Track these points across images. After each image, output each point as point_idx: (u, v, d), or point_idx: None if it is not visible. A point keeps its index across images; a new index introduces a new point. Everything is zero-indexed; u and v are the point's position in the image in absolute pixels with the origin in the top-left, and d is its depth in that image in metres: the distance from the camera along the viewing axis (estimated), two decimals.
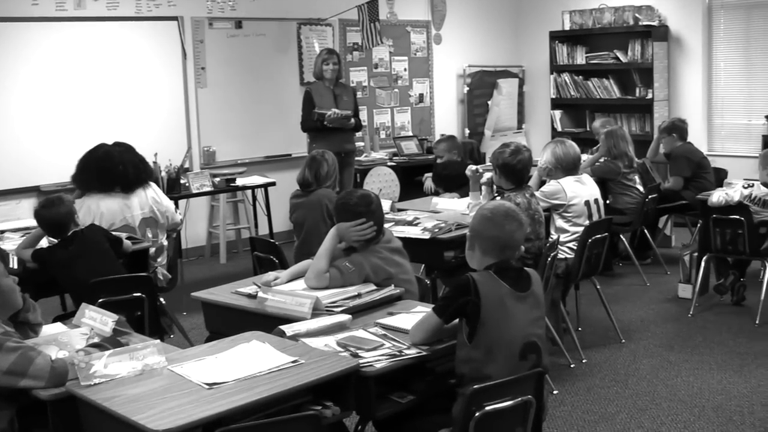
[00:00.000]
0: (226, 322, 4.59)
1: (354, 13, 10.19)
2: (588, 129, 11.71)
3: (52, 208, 5.52)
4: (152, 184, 6.60)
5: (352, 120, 9.16)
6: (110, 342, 3.72)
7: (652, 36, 11.47)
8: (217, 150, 9.82)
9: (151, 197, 6.42)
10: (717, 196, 7.21)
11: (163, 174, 8.08)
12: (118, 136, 6.78)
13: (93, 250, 5.54)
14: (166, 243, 6.54)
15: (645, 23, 11.54)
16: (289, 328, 3.95)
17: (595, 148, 9.62)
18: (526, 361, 3.72)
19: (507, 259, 3.83)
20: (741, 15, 11.31)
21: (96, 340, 3.78)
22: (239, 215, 10.24)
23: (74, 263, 5.43)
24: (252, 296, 4.58)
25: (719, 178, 9.12)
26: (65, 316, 5.10)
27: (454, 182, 7.71)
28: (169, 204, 6.65)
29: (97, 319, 3.96)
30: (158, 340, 3.71)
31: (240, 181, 9.05)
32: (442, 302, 3.82)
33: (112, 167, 6.29)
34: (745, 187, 7.23)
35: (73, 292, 5.54)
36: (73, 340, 3.80)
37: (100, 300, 4.93)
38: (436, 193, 7.92)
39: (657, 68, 11.51)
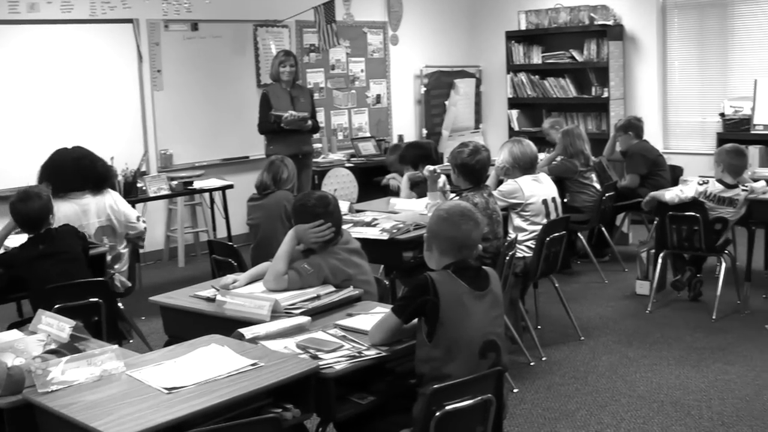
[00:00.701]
0: (185, 326, 4.56)
1: (310, 14, 10.17)
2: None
3: (29, 202, 5.43)
4: (111, 191, 6.55)
5: (310, 122, 9.14)
6: (67, 348, 3.69)
7: (607, 35, 11.56)
8: (174, 153, 9.77)
9: (109, 205, 6.36)
10: (670, 195, 7.29)
11: (120, 178, 8.04)
12: (73, 140, 6.71)
13: (65, 251, 5.50)
14: (124, 251, 6.50)
15: (600, 23, 11.63)
16: (248, 331, 3.94)
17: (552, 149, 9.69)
18: (486, 360, 3.73)
19: (465, 259, 3.85)
20: (694, 14, 11.43)
21: (53, 346, 3.75)
22: (197, 218, 10.19)
23: (43, 262, 5.37)
24: (211, 300, 4.56)
25: (675, 175, 9.20)
26: (21, 323, 5.06)
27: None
28: (130, 212, 6.57)
29: (54, 325, 3.92)
30: (116, 346, 3.68)
31: (197, 184, 9.01)
32: (401, 302, 3.83)
33: (90, 165, 6.30)
34: (700, 184, 7.31)
35: (36, 293, 5.44)
36: (29, 347, 3.76)
37: (56, 306, 4.89)
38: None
39: (612, 67, 11.61)
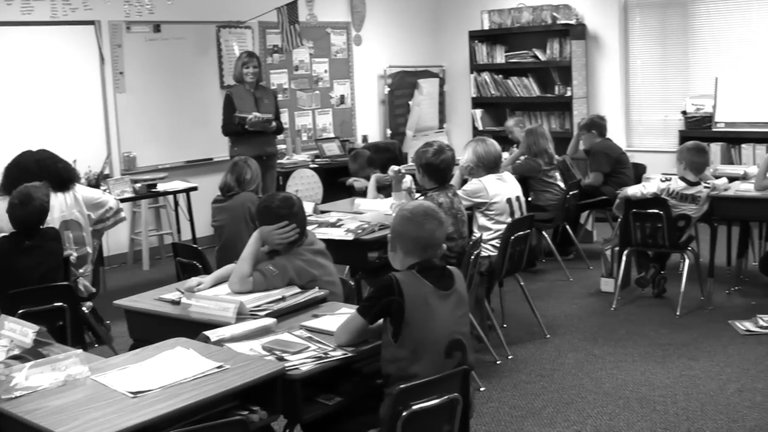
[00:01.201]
0: (150, 330, 4.54)
1: (273, 15, 10.15)
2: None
3: (29, 206, 5.49)
4: (76, 184, 6.57)
5: (274, 123, 9.12)
6: (31, 353, 3.67)
7: (570, 34, 11.62)
8: (138, 155, 9.72)
9: (73, 196, 6.40)
10: (632, 191, 7.36)
11: (83, 181, 7.97)
12: (36, 143, 6.70)
13: (48, 252, 5.50)
14: (90, 251, 6.47)
15: (563, 22, 11.70)
16: (213, 334, 3.92)
17: (514, 146, 9.75)
18: (452, 359, 3.74)
19: (429, 259, 3.85)
20: (656, 13, 11.51)
21: (16, 352, 3.71)
22: (161, 221, 10.15)
23: (24, 258, 5.36)
24: (176, 302, 4.53)
25: (638, 173, 9.26)
26: None
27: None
28: (94, 192, 6.68)
29: (17, 331, 3.88)
30: (81, 350, 3.66)
31: (161, 187, 8.96)
32: (366, 303, 3.82)
33: (52, 166, 6.31)
34: (663, 181, 7.36)
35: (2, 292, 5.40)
36: None
37: (20, 311, 4.86)
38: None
39: (575, 66, 11.67)
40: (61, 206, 6.29)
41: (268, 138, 9.18)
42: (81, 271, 6.33)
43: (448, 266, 3.96)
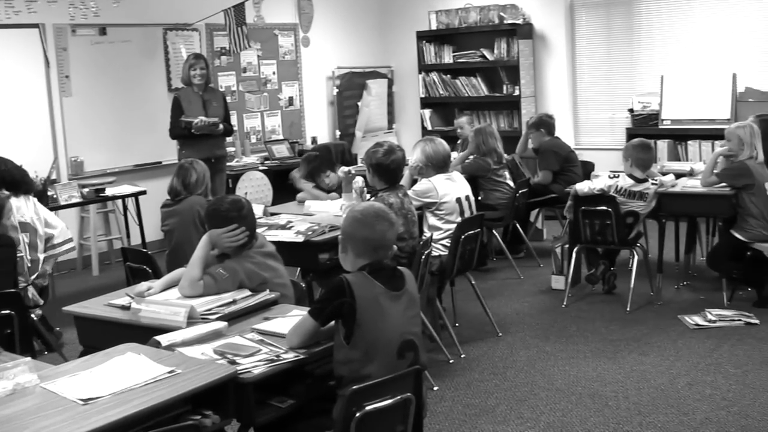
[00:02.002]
0: (101, 336, 4.49)
1: (220, 17, 10.11)
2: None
3: None
4: (33, 198, 6.53)
5: (221, 126, 9.08)
6: None
7: (517, 34, 11.70)
8: (85, 160, 9.62)
9: (32, 204, 6.37)
10: (580, 186, 7.42)
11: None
12: None
13: (5, 259, 5.45)
14: (41, 257, 6.40)
15: (510, 22, 11.77)
16: (164, 338, 3.89)
17: (459, 142, 9.80)
18: (404, 360, 3.74)
19: (380, 260, 3.85)
20: (602, 12, 11.62)
21: None
22: (110, 226, 10.06)
23: None
24: (126, 308, 4.49)
25: (586, 171, 9.32)
26: None
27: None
28: (52, 215, 6.62)
29: None
30: (29, 358, 3.62)
31: (110, 191, 8.90)
32: (318, 305, 3.81)
33: (3, 168, 6.26)
34: (611, 177, 7.43)
35: None
36: None
37: None
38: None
39: (523, 65, 11.75)
40: (19, 208, 6.24)
41: (216, 141, 9.14)
42: (32, 277, 6.27)
43: (399, 267, 3.96)
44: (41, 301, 6.37)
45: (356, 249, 3.86)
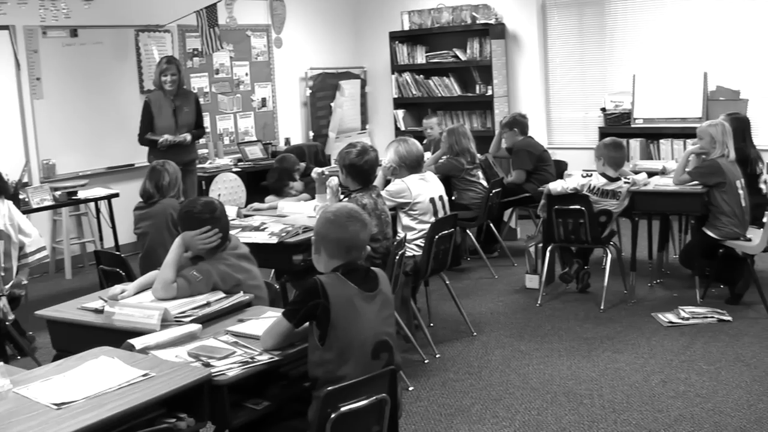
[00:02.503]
0: (74, 340, 4.47)
1: (193, 18, 10.07)
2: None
3: None
4: (8, 201, 6.48)
5: (188, 138, 9.02)
6: None
7: (489, 34, 11.72)
8: (57, 162, 9.56)
9: (6, 210, 6.32)
10: (554, 186, 7.44)
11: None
12: None
13: None
14: (15, 265, 6.36)
15: (482, 22, 11.80)
16: (138, 342, 3.88)
17: (425, 141, 9.81)
18: (379, 360, 3.74)
19: (354, 260, 3.85)
20: (574, 12, 11.67)
21: None
22: (83, 229, 10.00)
23: None
24: (99, 311, 4.47)
25: (560, 170, 9.36)
26: None
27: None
28: (26, 222, 6.56)
29: None
30: (2, 363, 3.59)
31: (82, 194, 8.85)
32: (292, 306, 3.81)
33: None
34: (584, 176, 7.46)
35: None
36: None
37: None
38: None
39: (495, 65, 11.78)
40: None
41: (186, 147, 9.09)
42: (7, 287, 6.23)
43: (373, 268, 3.96)
44: (11, 316, 6.30)
45: (329, 250, 3.86)
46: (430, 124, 10.49)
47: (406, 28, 12.55)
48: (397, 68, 12.64)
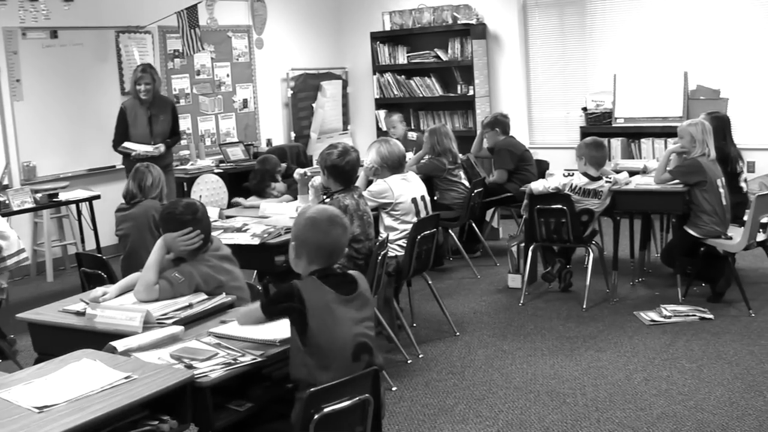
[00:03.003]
0: (56, 342, 4.46)
1: (173, 19, 10.05)
2: (412, 127, 11.95)
3: None
4: None
5: (162, 148, 8.95)
6: None
7: (470, 34, 11.73)
8: (38, 165, 9.52)
9: None
10: (536, 185, 7.46)
11: None
12: None
13: None
14: None
15: (463, 22, 11.81)
16: (120, 344, 3.86)
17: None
18: (360, 362, 3.73)
19: (333, 264, 3.85)
20: (555, 12, 11.70)
21: None
22: (64, 231, 9.96)
23: None
24: (81, 314, 4.45)
25: (541, 169, 9.38)
26: None
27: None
28: (3, 224, 6.49)
29: None
30: None
31: (63, 196, 8.81)
32: (268, 303, 3.85)
33: None
34: (566, 176, 7.48)
35: None
36: None
37: None
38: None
39: (477, 65, 11.79)
40: None
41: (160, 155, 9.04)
42: None
43: (351, 271, 3.96)
44: None
45: (310, 255, 3.84)
46: (392, 123, 10.54)
47: (387, 28, 12.55)
48: (378, 69, 12.64)
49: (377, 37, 12.59)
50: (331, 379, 3.57)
